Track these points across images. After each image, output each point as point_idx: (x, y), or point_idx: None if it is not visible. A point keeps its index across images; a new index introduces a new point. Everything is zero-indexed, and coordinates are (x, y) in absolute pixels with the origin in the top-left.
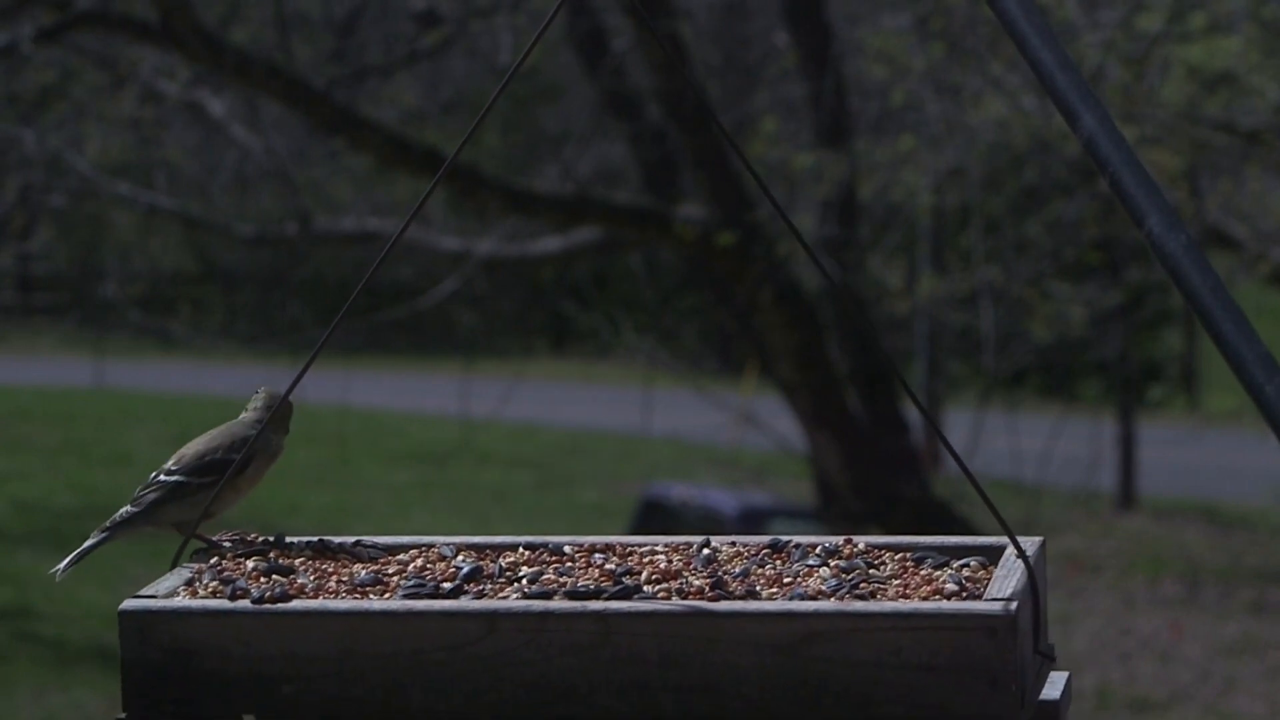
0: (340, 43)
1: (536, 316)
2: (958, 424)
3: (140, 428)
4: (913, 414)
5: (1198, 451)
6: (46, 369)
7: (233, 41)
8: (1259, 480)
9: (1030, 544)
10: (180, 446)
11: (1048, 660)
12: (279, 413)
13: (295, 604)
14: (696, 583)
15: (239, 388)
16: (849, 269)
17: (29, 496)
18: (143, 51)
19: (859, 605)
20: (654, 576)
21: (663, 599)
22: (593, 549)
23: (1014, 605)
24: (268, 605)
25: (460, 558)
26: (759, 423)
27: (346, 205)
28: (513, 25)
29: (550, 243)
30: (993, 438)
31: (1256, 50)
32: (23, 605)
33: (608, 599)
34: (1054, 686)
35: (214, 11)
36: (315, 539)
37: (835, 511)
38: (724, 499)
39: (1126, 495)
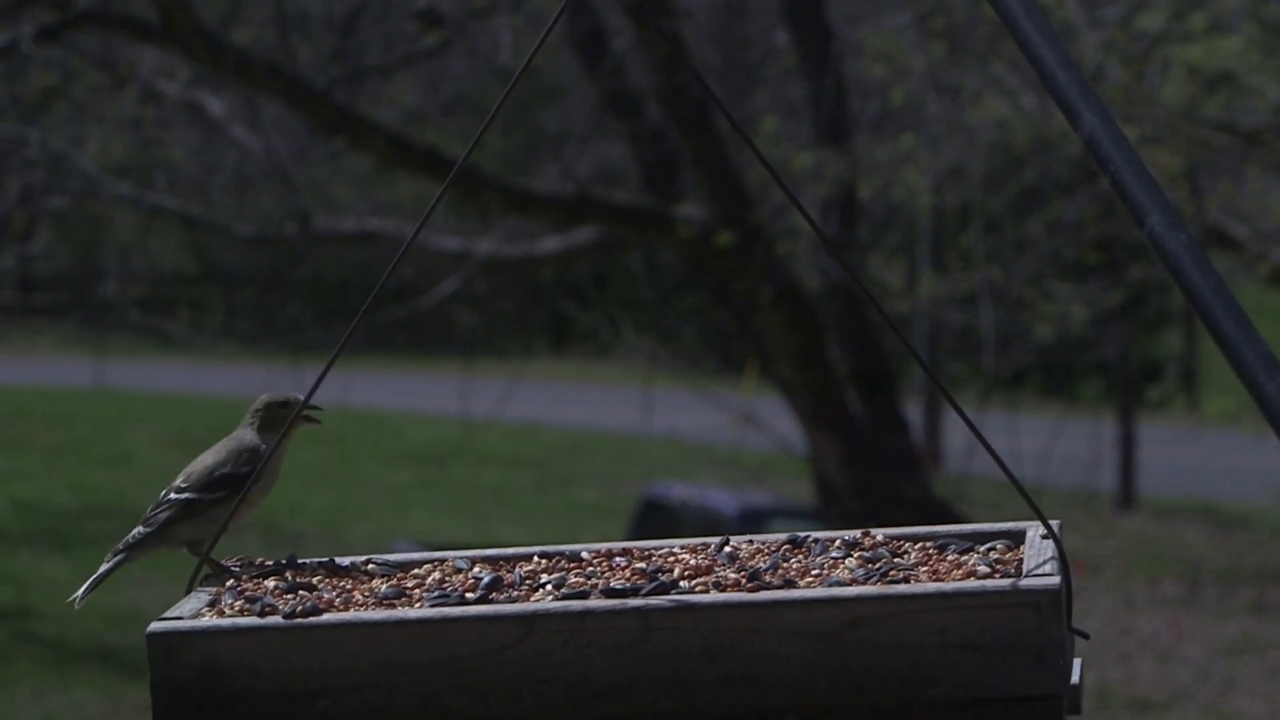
0: (341, 42)
1: (536, 316)
2: (958, 424)
3: (140, 428)
4: (913, 414)
5: (1198, 451)
6: (46, 369)
7: (233, 41)
8: (1259, 480)
9: (1052, 524)
10: (179, 446)
11: (1081, 639)
12: (279, 421)
13: (328, 617)
14: (732, 576)
15: (239, 388)
16: (853, 269)
17: (29, 496)
18: (143, 51)
19: (902, 588)
20: (687, 573)
21: (701, 592)
22: (610, 553)
23: (1056, 580)
24: (300, 620)
25: (477, 569)
26: (759, 423)
27: (347, 205)
28: (512, 25)
29: (550, 243)
30: (993, 438)
31: (1256, 50)
32: (23, 605)
33: (646, 595)
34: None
35: (214, 11)
36: (326, 559)
37: (835, 511)
38: (724, 499)
39: (1126, 495)
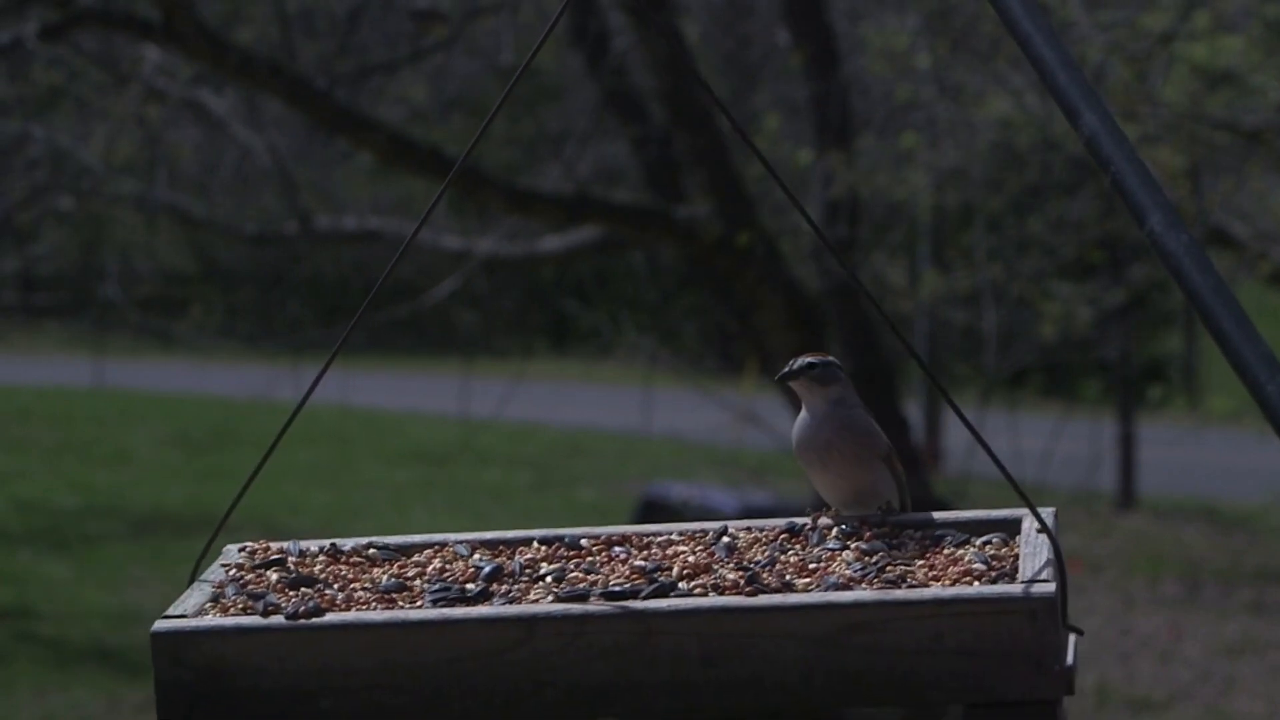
0: (343, 40)
1: (536, 316)
2: (958, 423)
3: (140, 428)
4: (913, 414)
5: (1198, 451)
6: (46, 369)
7: (235, 40)
8: (1259, 480)
9: (1045, 514)
10: (179, 446)
11: (1076, 634)
12: None
13: (330, 618)
14: (730, 576)
15: (239, 388)
16: (851, 268)
17: (29, 496)
18: (145, 50)
19: (899, 594)
20: (686, 572)
21: (699, 595)
22: (610, 541)
23: (1052, 587)
24: (303, 620)
25: (477, 556)
26: (759, 422)
27: (355, 203)
28: (514, 24)
29: (551, 242)
30: (993, 437)
31: (1259, 49)
32: (23, 605)
33: (646, 599)
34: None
35: (216, 10)
36: (327, 544)
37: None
38: (724, 499)
39: (1126, 495)
